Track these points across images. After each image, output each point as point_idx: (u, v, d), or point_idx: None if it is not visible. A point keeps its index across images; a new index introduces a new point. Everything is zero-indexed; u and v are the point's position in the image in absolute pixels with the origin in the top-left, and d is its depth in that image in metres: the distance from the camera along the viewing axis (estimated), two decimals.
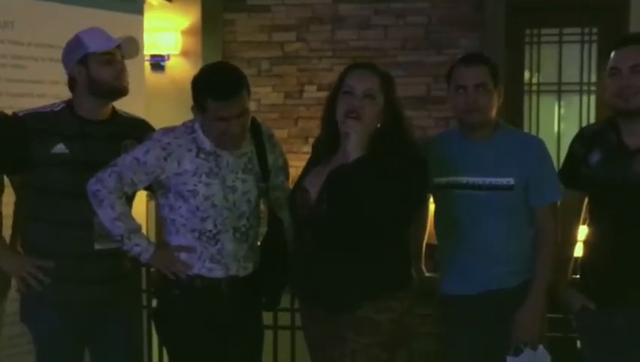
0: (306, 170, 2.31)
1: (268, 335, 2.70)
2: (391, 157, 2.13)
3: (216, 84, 2.22)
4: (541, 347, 2.33)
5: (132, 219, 2.34)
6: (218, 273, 2.33)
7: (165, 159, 2.28)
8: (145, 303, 3.08)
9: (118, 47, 2.45)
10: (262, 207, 2.47)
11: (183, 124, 2.37)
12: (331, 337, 2.19)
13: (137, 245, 2.31)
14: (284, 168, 2.49)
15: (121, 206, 2.29)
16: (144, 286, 3.08)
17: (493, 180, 2.33)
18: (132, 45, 2.52)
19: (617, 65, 2.28)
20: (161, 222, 2.44)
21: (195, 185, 2.28)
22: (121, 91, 2.46)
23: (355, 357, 2.15)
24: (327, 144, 2.26)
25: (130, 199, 2.40)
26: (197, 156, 2.29)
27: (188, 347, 2.37)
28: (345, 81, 2.18)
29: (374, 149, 2.12)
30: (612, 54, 2.31)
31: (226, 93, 2.20)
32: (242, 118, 2.24)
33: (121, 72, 2.45)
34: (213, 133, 2.26)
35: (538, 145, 2.42)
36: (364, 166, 2.08)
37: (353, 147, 2.10)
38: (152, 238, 3.44)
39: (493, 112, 2.38)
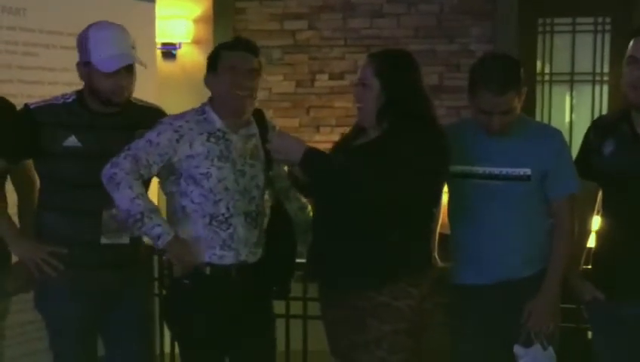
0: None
1: (280, 323, 2.71)
2: (403, 137, 2.16)
3: (234, 40, 2.45)
4: (550, 348, 2.32)
5: (151, 200, 2.32)
6: (228, 259, 2.34)
7: (177, 141, 2.31)
8: (157, 291, 3.10)
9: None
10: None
11: (192, 108, 2.41)
12: (350, 322, 2.21)
13: (159, 225, 2.26)
14: None
15: (138, 186, 2.28)
16: (156, 274, 3.09)
17: (510, 171, 2.32)
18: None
19: (635, 54, 2.25)
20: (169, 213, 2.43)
21: (207, 168, 2.31)
22: (117, 104, 2.43)
23: (381, 344, 2.17)
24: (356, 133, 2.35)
25: (145, 186, 2.39)
26: (208, 140, 2.33)
27: (198, 335, 2.38)
28: None
29: (385, 130, 2.21)
30: (631, 43, 2.28)
31: (241, 45, 2.37)
32: (251, 75, 2.34)
33: (122, 88, 2.39)
34: (223, 88, 2.33)
35: (557, 136, 2.40)
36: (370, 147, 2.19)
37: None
38: None
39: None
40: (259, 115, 2.42)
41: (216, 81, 2.36)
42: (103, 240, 2.41)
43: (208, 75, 2.39)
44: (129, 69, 2.41)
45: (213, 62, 2.38)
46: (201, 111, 2.39)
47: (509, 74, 2.28)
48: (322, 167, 2.13)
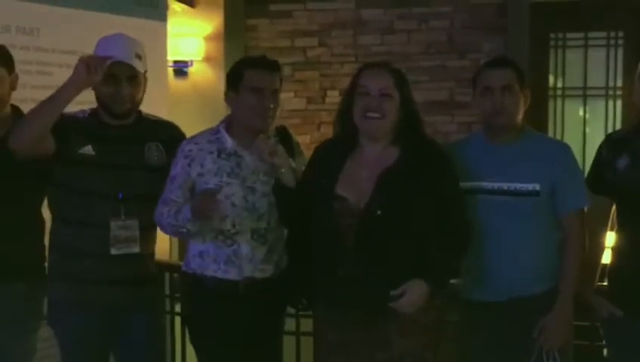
0: (321, 173, 2.26)
1: (290, 341, 2.70)
2: (423, 162, 2.18)
3: (255, 58, 2.47)
4: None
5: (175, 205, 2.35)
6: (232, 275, 2.35)
7: (189, 165, 2.36)
8: (168, 308, 3.10)
9: (127, 65, 2.40)
10: None
11: (209, 128, 2.43)
12: (375, 341, 2.17)
13: (183, 218, 2.30)
14: None
15: (165, 208, 2.36)
16: (167, 291, 3.09)
17: (519, 186, 2.31)
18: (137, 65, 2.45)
19: None
20: None
21: (216, 184, 2.32)
22: (118, 114, 2.45)
23: (404, 359, 2.15)
24: (343, 146, 2.27)
25: None
26: (218, 157, 2.35)
27: (211, 349, 2.41)
28: (359, 82, 2.21)
29: (398, 146, 2.20)
30: None
31: (264, 63, 2.37)
32: (274, 96, 2.36)
33: (120, 95, 2.41)
34: (246, 108, 2.32)
35: (565, 150, 2.39)
36: (409, 170, 2.16)
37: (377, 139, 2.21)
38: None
39: (520, 116, 2.37)
40: (283, 132, 2.43)
41: (238, 101, 2.35)
42: (113, 251, 2.42)
43: (229, 93, 2.39)
44: (131, 80, 2.42)
45: (235, 80, 2.36)
46: (215, 131, 2.41)
47: (507, 57, 2.52)
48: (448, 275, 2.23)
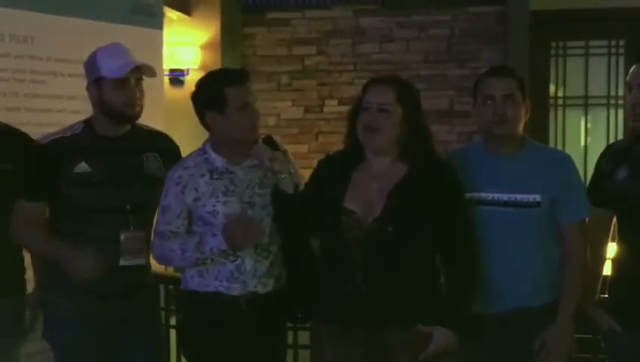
0: (326, 186, 2.25)
1: (288, 354, 2.67)
2: (433, 180, 2.19)
3: (229, 74, 2.38)
4: None
5: (190, 237, 2.32)
6: (235, 290, 2.32)
7: (182, 193, 2.32)
8: (163, 321, 3.07)
9: (137, 68, 2.41)
10: None
11: (193, 151, 2.40)
12: (380, 357, 2.16)
13: (212, 249, 2.27)
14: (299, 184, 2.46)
15: (174, 242, 2.31)
16: (163, 303, 3.06)
17: (519, 197, 2.29)
18: (149, 69, 2.47)
19: (629, 81, 2.30)
20: None
21: (213, 205, 2.30)
22: (131, 118, 2.45)
23: None
24: (348, 159, 2.27)
25: None
26: (211, 178, 2.32)
27: None
28: (364, 96, 2.23)
29: (406, 161, 2.20)
30: (630, 70, 2.31)
31: (241, 78, 2.33)
32: (256, 106, 2.34)
33: (133, 98, 2.42)
34: (237, 126, 2.28)
35: (566, 161, 2.38)
36: (419, 188, 2.17)
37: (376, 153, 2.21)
38: None
39: (521, 126, 2.35)
40: (270, 142, 2.39)
41: (226, 121, 2.30)
42: (122, 262, 2.40)
43: (210, 115, 2.31)
44: (138, 83, 2.43)
45: (218, 102, 2.28)
46: (202, 151, 2.37)
47: (508, 67, 2.52)
48: (469, 302, 2.23)
